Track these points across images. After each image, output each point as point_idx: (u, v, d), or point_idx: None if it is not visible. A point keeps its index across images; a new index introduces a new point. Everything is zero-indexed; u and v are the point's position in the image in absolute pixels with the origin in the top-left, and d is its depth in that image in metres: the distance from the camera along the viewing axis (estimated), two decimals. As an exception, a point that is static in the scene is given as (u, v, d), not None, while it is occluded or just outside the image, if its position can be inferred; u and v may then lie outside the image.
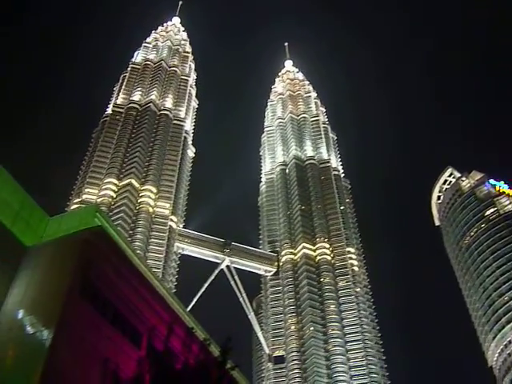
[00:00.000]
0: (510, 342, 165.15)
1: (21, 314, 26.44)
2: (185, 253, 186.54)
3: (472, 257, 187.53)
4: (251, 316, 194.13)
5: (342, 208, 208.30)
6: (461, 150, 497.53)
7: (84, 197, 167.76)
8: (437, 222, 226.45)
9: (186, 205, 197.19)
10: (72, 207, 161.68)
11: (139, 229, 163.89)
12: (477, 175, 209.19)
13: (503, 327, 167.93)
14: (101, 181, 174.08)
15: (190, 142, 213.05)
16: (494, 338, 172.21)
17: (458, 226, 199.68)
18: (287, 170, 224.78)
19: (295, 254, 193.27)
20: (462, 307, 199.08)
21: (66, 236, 30.17)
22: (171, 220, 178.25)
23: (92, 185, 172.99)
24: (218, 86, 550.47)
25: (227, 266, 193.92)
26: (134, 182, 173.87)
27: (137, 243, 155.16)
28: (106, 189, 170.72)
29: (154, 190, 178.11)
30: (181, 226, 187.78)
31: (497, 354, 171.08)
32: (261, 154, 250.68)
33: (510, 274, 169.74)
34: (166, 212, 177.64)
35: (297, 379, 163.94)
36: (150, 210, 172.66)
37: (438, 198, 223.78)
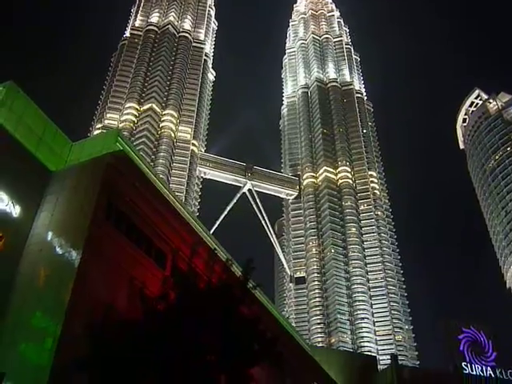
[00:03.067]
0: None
1: (50, 236, 27.34)
2: (207, 177, 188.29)
3: (496, 180, 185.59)
4: (273, 238, 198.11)
5: (364, 131, 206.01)
6: (489, 71, 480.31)
7: (106, 122, 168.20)
8: (461, 146, 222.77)
9: (207, 129, 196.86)
10: (94, 133, 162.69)
11: (161, 153, 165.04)
12: (505, 97, 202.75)
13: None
14: (122, 106, 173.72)
15: (210, 65, 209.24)
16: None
17: (483, 149, 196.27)
18: (309, 93, 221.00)
19: (316, 178, 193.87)
20: (483, 230, 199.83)
21: (89, 161, 30.54)
22: (193, 144, 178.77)
23: (113, 110, 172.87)
24: (238, 5, 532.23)
25: (249, 190, 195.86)
26: (154, 106, 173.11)
27: (159, 168, 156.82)
28: (127, 114, 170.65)
29: (175, 114, 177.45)
30: (202, 150, 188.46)
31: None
32: (282, 76, 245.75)
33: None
34: (188, 136, 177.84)
35: (317, 298, 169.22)
36: (172, 134, 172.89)
37: (464, 120, 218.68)
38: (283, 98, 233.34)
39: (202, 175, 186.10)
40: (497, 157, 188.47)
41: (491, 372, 74.62)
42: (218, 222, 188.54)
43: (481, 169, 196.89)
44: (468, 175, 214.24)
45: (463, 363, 74.09)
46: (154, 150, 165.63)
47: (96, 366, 18.66)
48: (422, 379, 71.44)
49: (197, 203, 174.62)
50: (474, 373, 73.65)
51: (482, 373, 74.02)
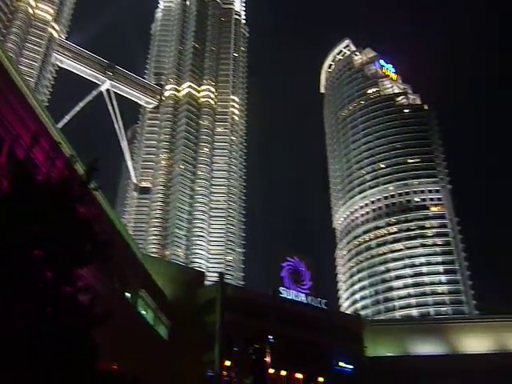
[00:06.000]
0: (355, 209, 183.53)
1: None
2: (63, 66, 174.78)
3: (345, 129, 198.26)
4: (124, 144, 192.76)
5: (235, 55, 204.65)
6: (362, 23, 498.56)
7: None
8: (322, 90, 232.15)
9: (71, 14, 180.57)
10: None
11: (14, 29, 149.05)
12: (370, 53, 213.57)
13: (354, 196, 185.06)
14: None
15: None
16: (344, 204, 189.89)
17: (341, 98, 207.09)
18: (188, 2, 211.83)
19: (179, 91, 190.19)
20: (324, 173, 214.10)
21: None
22: (53, 28, 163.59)
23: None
24: None
25: (107, 90, 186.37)
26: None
27: (9, 44, 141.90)
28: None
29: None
30: (63, 36, 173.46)
31: (342, 219, 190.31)
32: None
33: (373, 151, 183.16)
34: (48, 17, 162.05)
35: (158, 211, 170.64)
36: (30, 10, 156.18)
37: (330, 66, 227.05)
38: (160, 1, 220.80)
39: (59, 63, 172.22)
40: (350, 107, 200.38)
41: (304, 298, 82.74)
42: (68, 117, 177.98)
43: (334, 115, 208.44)
44: (322, 119, 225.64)
45: (281, 288, 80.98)
46: (7, 23, 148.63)
47: None
48: (243, 297, 76.76)
49: (48, 92, 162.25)
50: (290, 297, 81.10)
51: (296, 298, 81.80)
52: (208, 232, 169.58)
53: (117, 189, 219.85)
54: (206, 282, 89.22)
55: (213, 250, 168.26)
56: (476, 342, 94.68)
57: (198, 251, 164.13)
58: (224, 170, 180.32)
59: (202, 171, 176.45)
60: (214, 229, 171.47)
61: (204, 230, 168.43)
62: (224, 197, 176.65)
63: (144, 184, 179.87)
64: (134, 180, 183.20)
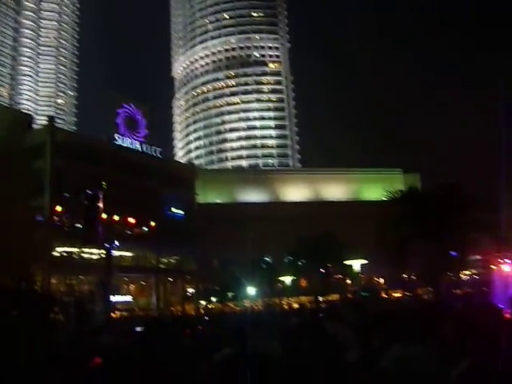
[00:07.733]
0: (196, 60, 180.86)
1: None
2: None
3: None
4: None
5: None
6: None
7: None
8: None
9: None
10: None
11: None
12: None
13: (195, 46, 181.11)
14: None
15: None
16: (184, 53, 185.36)
17: None
18: None
19: None
20: (165, 30, 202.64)
21: None
22: None
23: None
24: None
25: None
26: None
27: None
28: None
29: None
30: None
31: (181, 68, 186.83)
32: None
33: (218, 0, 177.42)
34: None
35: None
36: None
37: None
38: None
39: None
40: None
41: (139, 146, 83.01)
42: None
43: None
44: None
45: (116, 135, 79.85)
46: None
47: None
48: (76, 142, 74.27)
49: None
50: (125, 145, 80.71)
51: (131, 145, 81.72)
52: (36, 72, 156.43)
53: None
54: (35, 126, 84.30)
55: (42, 91, 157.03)
56: (297, 192, 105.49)
57: (24, 92, 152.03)
58: (55, 3, 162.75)
59: (28, 2, 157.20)
60: (43, 68, 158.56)
61: (32, 69, 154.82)
62: (54, 33, 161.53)
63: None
64: None
